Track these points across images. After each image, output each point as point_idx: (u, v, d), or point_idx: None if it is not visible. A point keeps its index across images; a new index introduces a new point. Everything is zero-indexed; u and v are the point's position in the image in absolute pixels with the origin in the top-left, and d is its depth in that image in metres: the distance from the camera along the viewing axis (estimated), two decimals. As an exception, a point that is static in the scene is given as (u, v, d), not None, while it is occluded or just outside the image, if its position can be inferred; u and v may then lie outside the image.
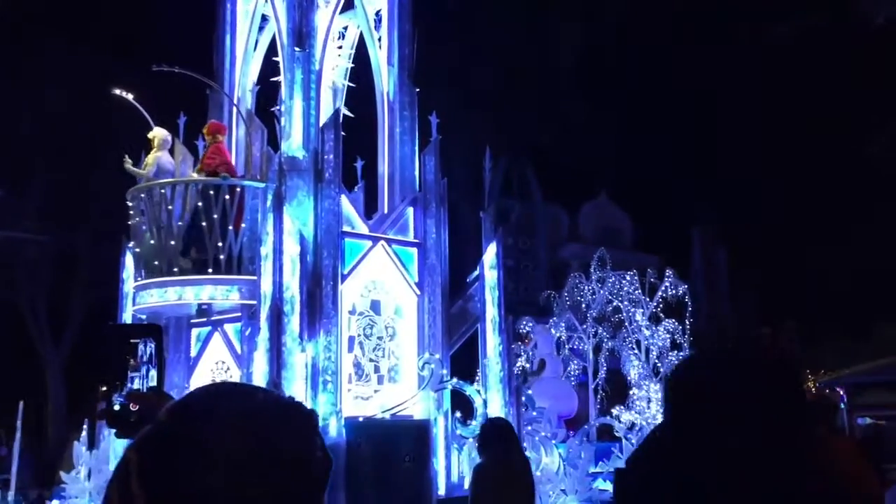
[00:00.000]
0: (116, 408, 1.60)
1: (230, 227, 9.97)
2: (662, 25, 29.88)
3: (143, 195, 10.20)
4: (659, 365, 16.22)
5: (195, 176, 10.29)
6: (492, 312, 11.67)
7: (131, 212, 10.38)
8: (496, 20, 28.55)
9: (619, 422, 15.14)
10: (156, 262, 10.06)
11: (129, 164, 10.57)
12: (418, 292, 11.31)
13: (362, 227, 10.95)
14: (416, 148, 11.97)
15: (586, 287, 17.24)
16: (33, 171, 21.38)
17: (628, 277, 16.83)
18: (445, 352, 11.43)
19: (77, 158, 20.48)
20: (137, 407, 1.60)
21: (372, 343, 10.84)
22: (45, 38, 20.67)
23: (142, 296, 10.23)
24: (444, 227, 11.75)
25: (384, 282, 11.08)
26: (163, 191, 10.07)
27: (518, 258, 32.22)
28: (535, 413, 13.71)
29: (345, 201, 10.75)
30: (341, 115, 12.29)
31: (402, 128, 11.97)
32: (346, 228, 10.71)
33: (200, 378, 10.77)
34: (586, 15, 29.34)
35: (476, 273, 11.87)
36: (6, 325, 21.83)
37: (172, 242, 9.97)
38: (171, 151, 10.89)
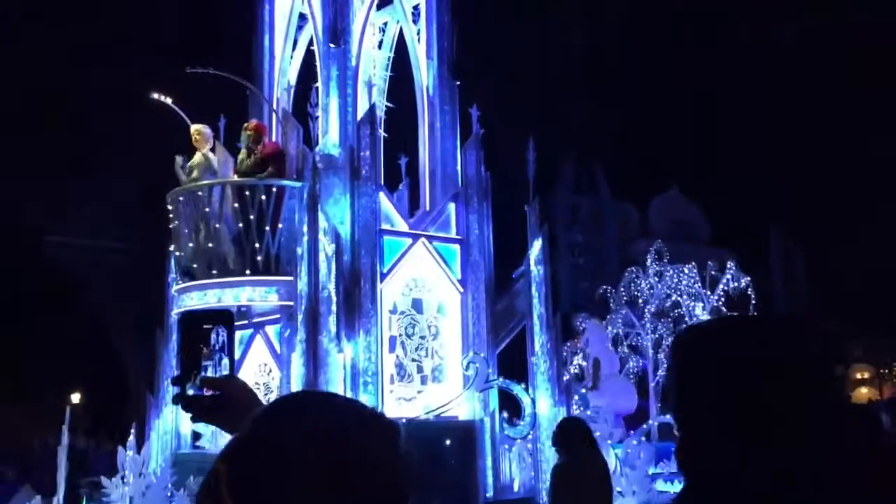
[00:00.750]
0: (190, 393, 1.61)
1: (267, 228, 9.86)
2: (735, 19, 28.98)
3: (181, 198, 10.17)
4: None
5: (234, 177, 10.20)
6: (538, 309, 11.31)
7: (171, 215, 10.37)
8: (556, 16, 28.11)
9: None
10: (195, 265, 10.02)
11: (179, 164, 10.49)
12: (461, 290, 11.04)
13: (402, 225, 10.74)
14: (458, 142, 11.72)
15: (643, 282, 16.71)
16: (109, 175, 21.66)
17: (686, 270, 16.25)
18: (491, 350, 11.14)
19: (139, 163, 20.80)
20: (211, 392, 1.60)
21: (414, 342, 10.62)
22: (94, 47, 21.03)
23: (182, 299, 10.21)
24: (487, 223, 11.45)
25: (426, 280, 10.84)
26: (200, 193, 10.02)
27: (587, 255, 31.67)
28: (589, 412, 13.29)
29: (383, 199, 10.55)
30: (380, 112, 12.19)
31: (442, 122, 11.72)
32: (385, 226, 10.51)
33: (245, 379, 10.70)
34: (652, 6, 28.65)
35: (521, 269, 11.53)
36: (92, 328, 22.28)
37: (211, 245, 9.91)
38: (213, 151, 10.84)
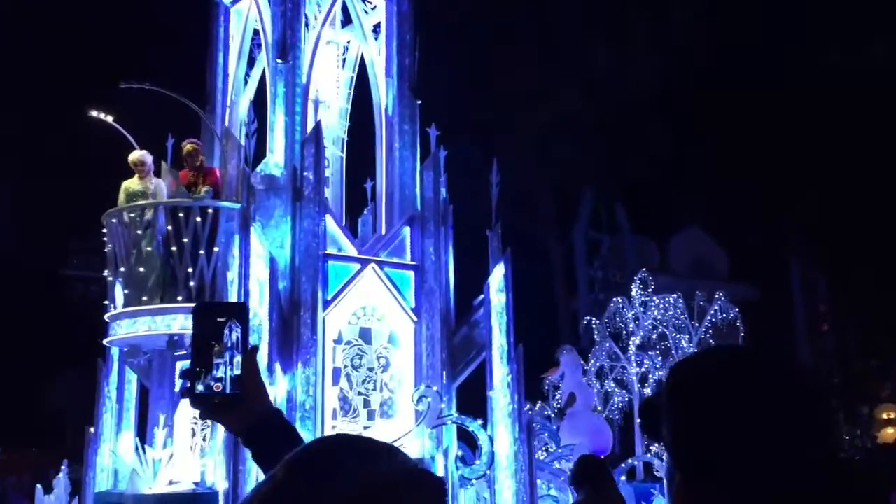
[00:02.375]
0: (200, 389, 1.55)
1: (202, 252, 9.29)
2: (750, 55, 28.44)
3: (113, 220, 9.64)
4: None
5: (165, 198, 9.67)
6: (499, 340, 10.63)
7: (105, 238, 9.83)
8: (583, 48, 27.68)
9: (661, 460, 13.79)
10: (126, 291, 9.45)
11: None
12: (415, 319, 10.39)
13: (351, 250, 10.13)
14: (418, 164, 11.15)
15: (629, 313, 15.98)
16: None
17: (672, 300, 15.51)
18: (447, 384, 10.46)
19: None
20: (220, 388, 1.54)
21: (361, 375, 9.96)
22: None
23: (114, 328, 9.63)
24: (445, 248, 10.83)
25: (376, 308, 10.21)
26: (132, 214, 9.48)
27: (607, 291, 30.98)
28: (560, 450, 12.54)
29: (330, 222, 9.96)
30: (342, 134, 11.67)
31: (401, 142, 11.15)
32: (332, 251, 9.92)
33: (185, 413, 10.09)
34: (670, 46, 28.18)
35: (481, 298, 10.87)
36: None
37: (142, 269, 9.34)
38: (158, 175, 10.33)
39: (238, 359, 1.56)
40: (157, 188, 9.82)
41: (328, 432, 9.38)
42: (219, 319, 1.54)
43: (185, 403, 10.02)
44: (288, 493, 1.05)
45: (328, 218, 9.94)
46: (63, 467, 10.88)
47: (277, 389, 8.85)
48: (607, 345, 15.93)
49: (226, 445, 8.27)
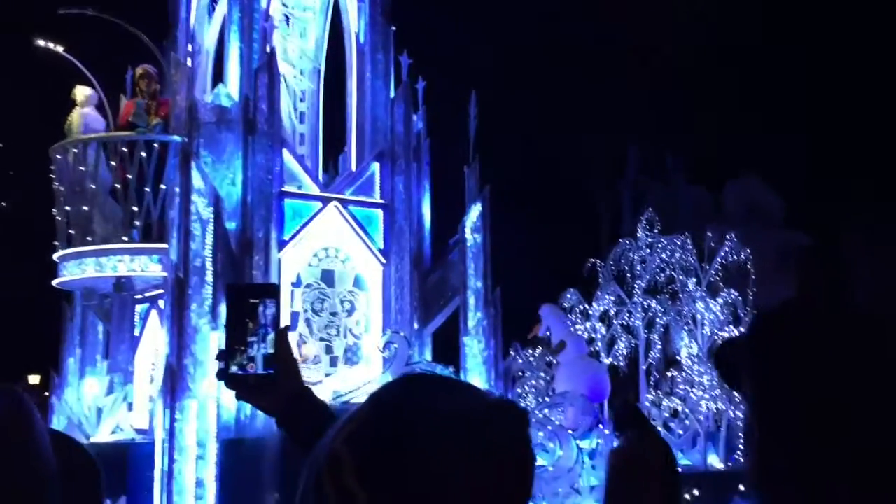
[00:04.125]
0: (234, 370, 1.53)
1: (147, 189, 8.73)
2: None
3: (58, 155, 9.11)
4: (716, 341, 14.04)
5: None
6: (473, 283, 9.98)
7: (52, 175, 9.32)
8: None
9: (658, 408, 13.15)
10: (72, 231, 8.96)
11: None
12: (384, 261, 9.77)
13: (312, 187, 9.50)
14: (392, 95, 10.40)
15: (635, 255, 15.17)
16: None
17: (679, 242, 14.64)
18: (418, 329, 9.89)
19: None
20: (254, 370, 1.52)
21: (323, 320, 9.41)
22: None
23: (62, 269, 9.18)
24: (418, 186, 10.15)
25: (340, 249, 9.60)
26: (76, 150, 8.93)
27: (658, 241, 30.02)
28: (547, 399, 11.96)
29: (288, 157, 9.32)
30: (320, 65, 10.96)
31: (374, 72, 10.40)
32: (291, 188, 9.29)
33: (143, 359, 9.68)
34: None
35: (457, 237, 10.20)
36: None
37: (86, 208, 8.82)
38: (103, 109, 9.75)
39: (271, 337, 1.55)
40: (90, 122, 9.23)
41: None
42: (251, 301, 1.54)
43: (144, 346, 9.61)
44: (378, 424, 1.03)
45: (286, 153, 9.29)
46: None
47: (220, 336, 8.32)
48: (612, 288, 15.20)
49: (162, 394, 7.81)
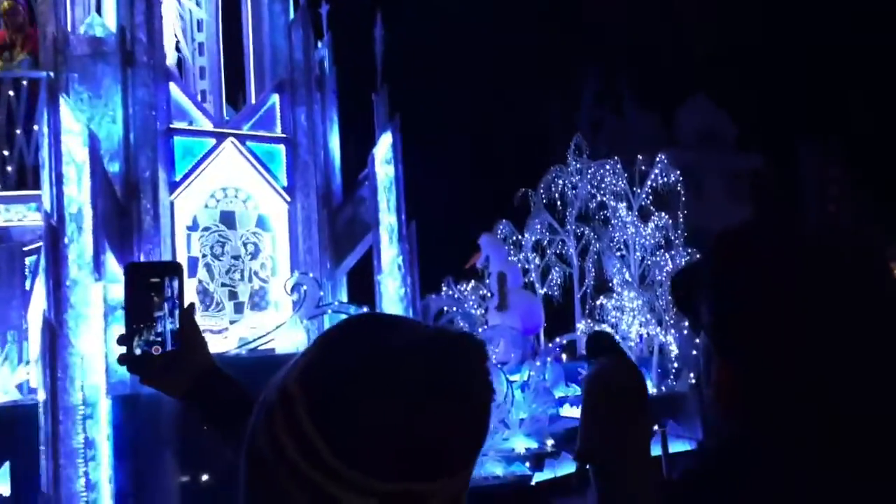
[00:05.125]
0: (138, 353, 1.46)
1: (18, 131, 8.00)
2: None
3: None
4: (649, 266, 13.84)
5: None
6: (387, 219, 9.49)
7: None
8: None
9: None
10: (-62, 180, 8.22)
11: None
12: (288, 199, 9.21)
13: (205, 123, 8.83)
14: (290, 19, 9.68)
15: (566, 181, 14.78)
16: None
17: (608, 167, 14.27)
18: (331, 270, 9.41)
19: None
20: (160, 351, 1.46)
21: (224, 264, 8.86)
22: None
23: (-68, 222, 8.45)
24: (323, 118, 9.54)
25: (240, 188, 9.01)
26: (-65, 91, 8.13)
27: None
28: (480, 331, 11.66)
29: (176, 91, 8.62)
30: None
31: (271, -5, 9.65)
32: (181, 125, 8.62)
33: (36, 314, 9.06)
34: None
35: (366, 171, 9.66)
36: None
37: (-49, 154, 8.07)
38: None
39: (177, 312, 1.48)
40: None
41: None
42: (152, 280, 1.47)
43: (37, 300, 8.97)
44: (330, 362, 0.97)
45: (174, 87, 8.59)
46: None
47: (114, 288, 7.76)
48: (543, 216, 14.84)
49: (42, 353, 7.25)
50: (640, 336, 13.01)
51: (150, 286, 1.46)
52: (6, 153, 7.97)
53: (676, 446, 10.70)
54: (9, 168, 7.98)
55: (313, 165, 9.32)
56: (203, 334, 1.54)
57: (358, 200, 9.69)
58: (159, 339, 1.46)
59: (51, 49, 8.05)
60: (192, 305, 1.53)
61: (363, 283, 10.31)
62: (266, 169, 9.07)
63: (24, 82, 8.03)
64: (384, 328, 1.02)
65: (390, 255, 9.46)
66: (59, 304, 7.23)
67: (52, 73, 7.58)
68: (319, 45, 9.92)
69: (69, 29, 8.42)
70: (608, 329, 12.24)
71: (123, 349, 1.46)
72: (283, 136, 9.27)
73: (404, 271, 9.48)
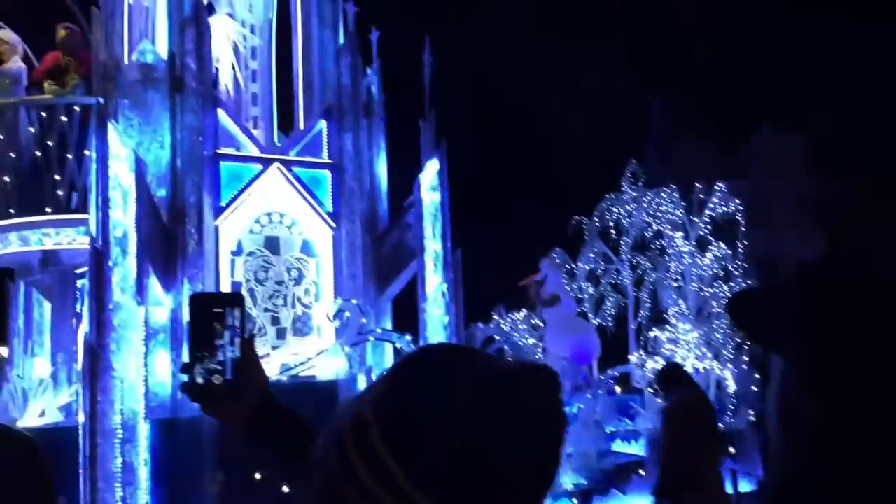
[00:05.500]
0: (200, 381, 1.48)
1: (70, 156, 8.15)
2: None
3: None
4: (706, 298, 13.43)
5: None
6: (432, 246, 9.38)
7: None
8: None
9: (641, 369, 12.58)
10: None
11: None
12: (333, 225, 9.17)
13: (251, 149, 8.88)
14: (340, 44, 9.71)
15: (619, 209, 14.50)
16: None
17: (664, 195, 13.94)
18: (375, 296, 9.33)
19: None
20: (220, 380, 1.47)
21: (268, 289, 8.85)
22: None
23: (-16, 245, 8.65)
24: (370, 144, 9.52)
25: (285, 214, 9.01)
26: (-8, 116, 8.35)
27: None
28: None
29: (224, 117, 8.70)
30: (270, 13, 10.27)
31: (321, 23, 9.70)
32: (228, 151, 8.69)
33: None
34: None
35: (412, 198, 9.58)
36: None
37: (7, 178, 8.26)
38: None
39: (238, 341, 1.48)
40: (18, 75, 8.62)
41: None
42: (215, 310, 1.50)
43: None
44: (404, 389, 0.99)
45: (222, 113, 8.66)
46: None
47: (157, 311, 7.81)
48: (597, 245, 14.57)
49: (83, 376, 7.31)
50: (696, 370, 12.61)
51: (213, 316, 1.50)
52: (58, 177, 8.12)
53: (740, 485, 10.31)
54: (60, 192, 8.13)
55: (359, 191, 9.28)
56: (261, 365, 1.56)
57: (403, 227, 9.62)
58: (220, 367, 1.49)
59: (102, 75, 8.21)
60: (252, 336, 1.55)
61: (407, 311, 10.20)
62: (311, 194, 9.06)
63: (77, 108, 8.18)
64: (460, 358, 1.04)
65: (435, 282, 9.34)
66: (101, 327, 7.29)
67: (102, 99, 7.71)
68: (368, 71, 9.93)
69: (123, 55, 8.59)
70: (676, 360, 11.95)
71: (186, 377, 1.49)
72: (330, 161, 9.27)
73: (448, 299, 9.34)
